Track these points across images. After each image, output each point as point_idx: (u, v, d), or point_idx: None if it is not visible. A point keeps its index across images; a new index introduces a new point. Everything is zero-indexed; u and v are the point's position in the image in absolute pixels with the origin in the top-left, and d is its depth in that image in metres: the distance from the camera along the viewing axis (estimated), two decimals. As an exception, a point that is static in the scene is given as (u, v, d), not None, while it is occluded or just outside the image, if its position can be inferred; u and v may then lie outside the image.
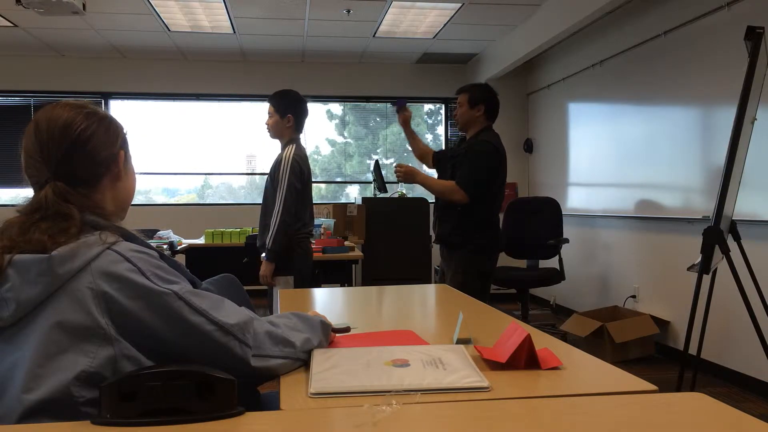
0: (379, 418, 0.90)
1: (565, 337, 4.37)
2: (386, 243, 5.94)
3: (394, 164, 3.24)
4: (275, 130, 3.15)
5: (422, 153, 3.46)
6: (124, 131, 1.22)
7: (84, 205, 1.09)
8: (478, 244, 3.05)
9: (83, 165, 1.12)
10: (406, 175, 3.11)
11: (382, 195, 5.96)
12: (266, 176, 3.23)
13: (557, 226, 4.87)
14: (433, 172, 3.48)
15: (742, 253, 2.84)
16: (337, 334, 1.45)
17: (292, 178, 2.99)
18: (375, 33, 5.76)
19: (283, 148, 3.12)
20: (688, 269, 2.79)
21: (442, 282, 3.19)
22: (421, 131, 7.31)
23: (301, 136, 3.21)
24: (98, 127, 1.15)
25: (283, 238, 2.98)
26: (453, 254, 3.12)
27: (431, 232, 3.29)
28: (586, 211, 5.41)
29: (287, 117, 3.10)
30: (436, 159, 3.40)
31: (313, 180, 3.30)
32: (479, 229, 3.06)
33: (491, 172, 3.04)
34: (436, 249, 3.38)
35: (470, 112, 3.14)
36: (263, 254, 3.04)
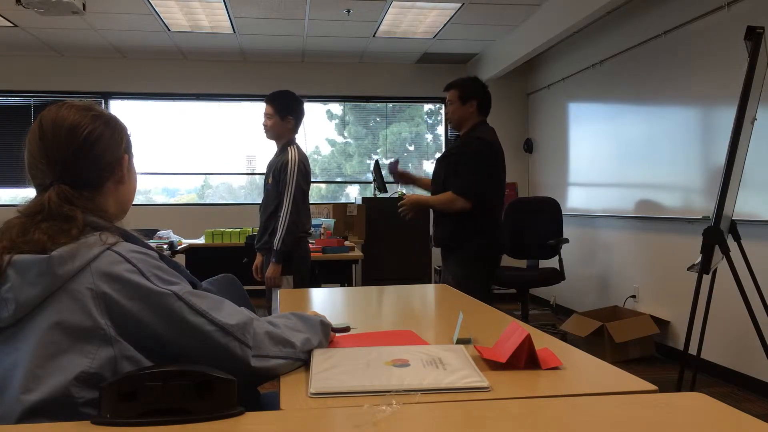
0: (379, 418, 0.90)
1: (565, 337, 4.37)
2: (386, 243, 5.94)
3: (400, 208, 3.09)
4: (274, 132, 3.15)
5: (427, 184, 3.31)
6: (128, 133, 1.21)
7: (87, 208, 1.08)
8: (478, 247, 2.94)
9: (88, 169, 1.12)
10: (412, 208, 3.04)
11: (382, 195, 5.96)
12: (264, 176, 3.24)
13: (557, 226, 4.88)
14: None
15: (742, 253, 2.84)
16: (337, 334, 1.45)
17: (299, 179, 3.03)
18: (375, 33, 5.76)
19: (283, 150, 3.13)
20: (688, 269, 2.79)
21: (443, 282, 3.15)
22: (421, 131, 7.32)
23: (297, 136, 3.23)
24: (104, 130, 1.14)
25: (292, 239, 3.01)
26: (451, 257, 3.05)
27: (431, 232, 3.25)
28: (586, 211, 5.41)
29: (288, 119, 3.11)
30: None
31: (313, 180, 3.32)
32: (478, 231, 2.93)
33: (488, 171, 2.91)
34: (436, 250, 3.35)
35: (463, 108, 3.00)
36: (265, 254, 3.05)
